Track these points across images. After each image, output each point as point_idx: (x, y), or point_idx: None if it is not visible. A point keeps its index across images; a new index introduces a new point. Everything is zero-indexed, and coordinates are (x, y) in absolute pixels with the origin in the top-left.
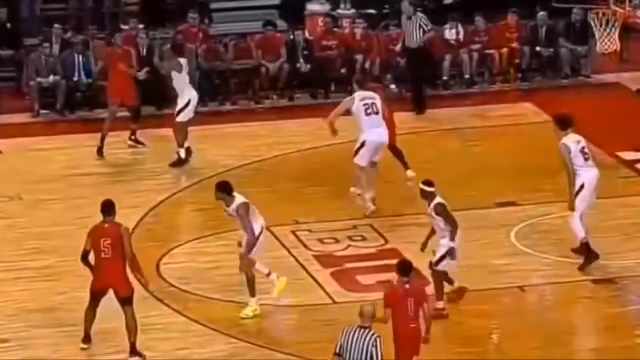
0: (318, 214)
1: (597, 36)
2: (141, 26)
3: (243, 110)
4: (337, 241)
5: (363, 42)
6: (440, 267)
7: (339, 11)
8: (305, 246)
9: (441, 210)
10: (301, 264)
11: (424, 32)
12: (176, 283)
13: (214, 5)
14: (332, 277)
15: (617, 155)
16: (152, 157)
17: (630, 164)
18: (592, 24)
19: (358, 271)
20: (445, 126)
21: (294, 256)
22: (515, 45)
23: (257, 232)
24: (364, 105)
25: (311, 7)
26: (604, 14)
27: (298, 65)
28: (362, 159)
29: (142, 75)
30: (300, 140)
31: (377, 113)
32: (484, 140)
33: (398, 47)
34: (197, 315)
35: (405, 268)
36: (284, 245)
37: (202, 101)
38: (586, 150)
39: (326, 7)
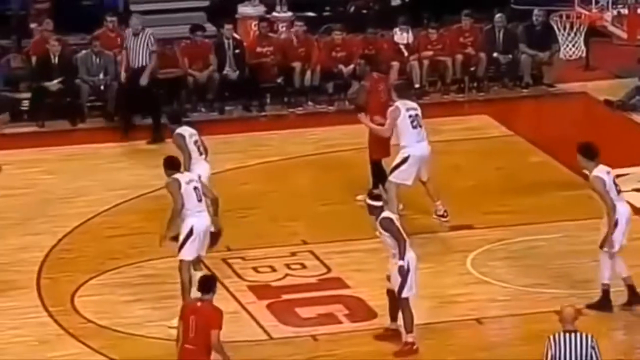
0: (252, 239)
1: (560, 41)
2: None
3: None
4: (273, 269)
5: (301, 47)
6: (406, 294)
7: (274, 14)
8: (238, 275)
9: (387, 225)
10: (233, 295)
11: (150, 52)
12: (93, 318)
13: (134, 7)
14: (268, 310)
15: (583, 172)
16: (64, 179)
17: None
18: (555, 28)
19: (297, 303)
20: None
21: (225, 287)
22: (469, 50)
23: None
24: (410, 116)
25: (243, 10)
26: (567, 17)
27: (225, 72)
28: (403, 176)
29: (53, 85)
30: (230, 157)
31: (421, 126)
32: (435, 155)
33: (340, 54)
34: (118, 354)
35: (203, 283)
36: (213, 274)
37: (119, 114)
38: (616, 181)
39: (260, 10)
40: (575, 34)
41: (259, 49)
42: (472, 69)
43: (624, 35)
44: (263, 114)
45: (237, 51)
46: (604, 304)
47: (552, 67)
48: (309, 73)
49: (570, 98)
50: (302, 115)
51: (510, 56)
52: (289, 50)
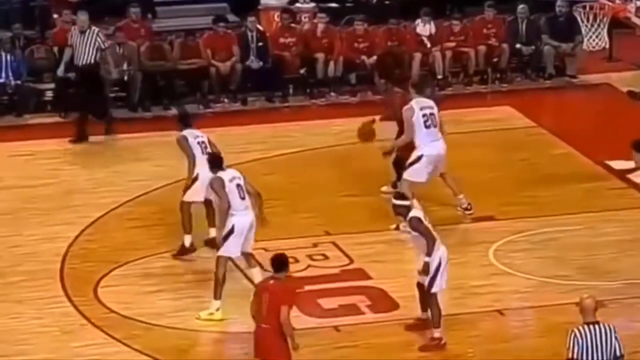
0: (274, 230)
1: (583, 32)
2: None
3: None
4: (295, 260)
5: (324, 39)
6: (435, 289)
7: (297, 5)
8: (260, 266)
9: (416, 224)
10: (256, 286)
11: (98, 50)
12: (116, 308)
13: None
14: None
15: (606, 164)
16: (86, 170)
17: (620, 173)
18: (578, 19)
19: (319, 294)
20: None
21: (248, 277)
22: (492, 42)
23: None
24: (423, 115)
25: (266, 1)
26: (591, 8)
27: (249, 63)
28: (416, 174)
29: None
30: (253, 148)
31: (435, 125)
32: (457, 147)
33: (363, 45)
34: (140, 344)
35: (276, 262)
36: (236, 266)
37: (143, 105)
38: None
39: (282, 1)
40: (599, 26)
41: (281, 40)
42: (495, 60)
43: None
44: (286, 105)
45: (260, 43)
46: None
47: (575, 59)
48: (331, 64)
49: (593, 89)
50: (325, 106)
51: (533, 47)
52: (312, 41)
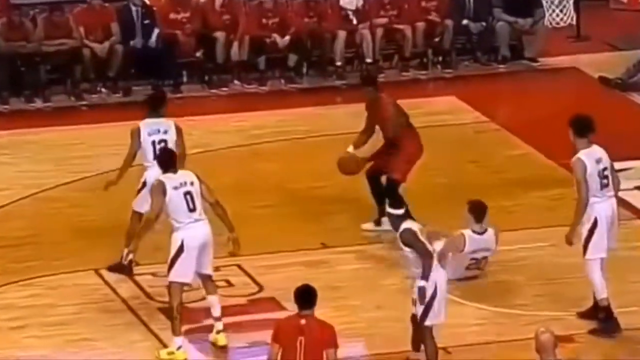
0: (164, 251)
1: (545, 5)
2: None
3: (59, 108)
4: (190, 288)
5: (225, 14)
6: (430, 321)
7: None
8: (147, 295)
9: (409, 238)
10: (142, 320)
11: None
12: None
13: None
14: (186, 337)
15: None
16: None
17: None
18: None
19: (223, 329)
20: (340, 129)
21: (131, 309)
22: (433, 17)
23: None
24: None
25: None
26: None
27: (133, 44)
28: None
29: None
30: None
31: None
32: None
33: (272, 21)
34: None
35: (304, 295)
36: (117, 294)
37: (0, 97)
38: (606, 173)
39: None
40: None
41: (172, 16)
42: (437, 39)
43: None
44: (178, 95)
45: (146, 21)
46: (608, 325)
47: (535, 38)
48: (234, 45)
49: (558, 75)
50: (227, 97)
51: (484, 24)
52: (210, 17)
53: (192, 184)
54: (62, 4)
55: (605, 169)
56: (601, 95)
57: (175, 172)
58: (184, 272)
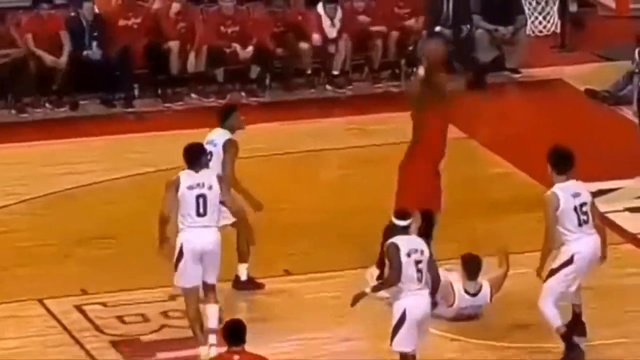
0: (116, 278)
1: (527, 12)
2: None
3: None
4: (145, 319)
5: (181, 21)
6: (396, 347)
7: None
8: (97, 328)
9: (390, 253)
10: (91, 355)
11: None
12: None
13: None
14: None
15: None
16: None
17: None
18: None
19: None
20: (305, 145)
21: (79, 343)
22: (409, 23)
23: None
24: None
25: None
26: None
27: (87, 54)
28: None
29: None
30: (85, 168)
31: None
32: (363, 166)
33: (232, 30)
34: None
35: (233, 331)
36: (64, 327)
37: None
38: (585, 209)
39: None
40: (546, 3)
41: (122, 22)
42: (410, 48)
43: (612, 4)
44: (130, 110)
45: (94, 33)
46: (572, 354)
47: (516, 47)
48: (191, 56)
49: (541, 87)
50: (183, 111)
51: (462, 32)
52: (164, 25)
53: (210, 187)
54: (4, 11)
55: (584, 204)
56: (588, 109)
57: (198, 170)
58: (187, 276)
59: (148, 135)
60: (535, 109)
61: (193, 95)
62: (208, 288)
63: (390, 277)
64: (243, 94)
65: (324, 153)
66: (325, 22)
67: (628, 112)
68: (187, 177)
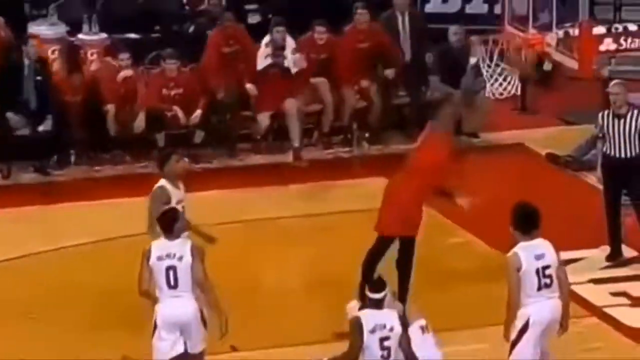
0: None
1: (486, 74)
2: None
3: None
4: None
5: (120, 82)
6: None
7: (81, 36)
8: None
9: (351, 327)
10: None
11: None
12: None
13: None
14: None
15: None
16: None
17: None
18: (479, 55)
19: None
20: (253, 214)
21: None
22: (361, 84)
23: None
24: None
25: (37, 29)
26: (495, 42)
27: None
28: None
29: None
30: (20, 241)
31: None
32: (315, 234)
33: (175, 92)
34: None
35: None
36: None
37: None
38: (549, 272)
39: (60, 31)
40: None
41: (61, 85)
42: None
43: (574, 66)
44: (65, 176)
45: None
46: None
47: (475, 110)
48: (136, 118)
49: (501, 152)
50: (121, 178)
51: (416, 94)
52: (103, 86)
53: (180, 258)
54: None
55: (547, 267)
56: (550, 175)
57: (172, 238)
58: (160, 349)
59: (82, 205)
60: (495, 175)
61: (130, 159)
62: (194, 358)
63: (344, 357)
64: (186, 159)
65: (274, 221)
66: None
67: (592, 178)
68: (157, 247)
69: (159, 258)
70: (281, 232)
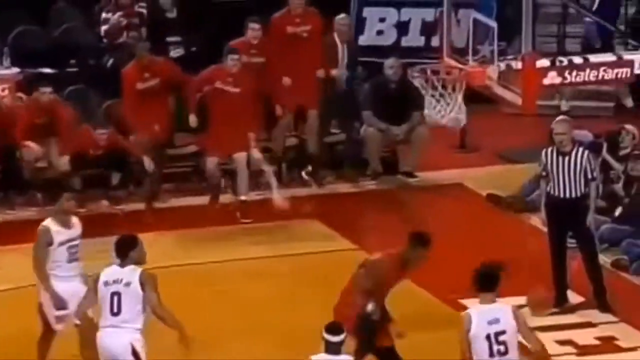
0: None
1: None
2: None
3: None
4: None
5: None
6: None
7: None
8: None
9: None
10: None
11: None
12: None
13: None
14: None
15: (461, 303)
16: None
17: None
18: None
19: None
20: (170, 260)
21: None
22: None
23: None
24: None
25: None
26: (434, 73)
27: None
28: None
29: None
30: None
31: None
32: (238, 286)
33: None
34: None
35: None
36: None
37: None
38: (503, 339)
39: None
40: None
41: None
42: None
43: (517, 101)
44: None
45: None
46: None
47: (412, 148)
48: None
49: (439, 193)
50: (36, 222)
51: (349, 132)
52: (17, 125)
53: (127, 284)
54: None
55: (501, 332)
56: (491, 217)
57: (124, 265)
58: None
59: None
60: (433, 216)
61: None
62: None
63: None
64: (104, 202)
65: (205, 266)
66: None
67: (536, 220)
68: (106, 273)
69: (106, 283)
70: (207, 276)
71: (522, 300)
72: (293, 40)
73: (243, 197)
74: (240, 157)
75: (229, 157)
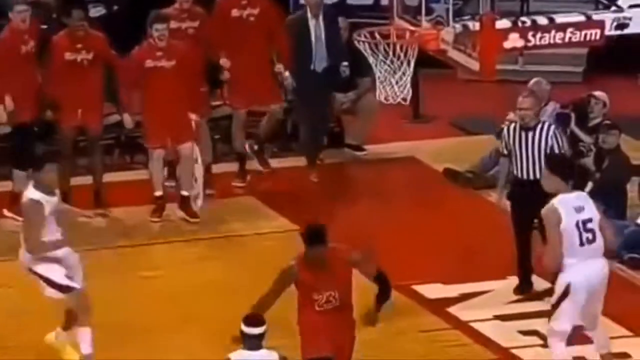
0: None
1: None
2: None
3: None
4: None
5: None
6: None
7: None
8: None
9: None
10: None
11: None
12: None
13: None
14: None
15: (414, 290)
16: None
17: (437, 304)
18: (364, 52)
19: None
20: None
21: None
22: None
23: None
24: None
25: None
26: (383, 36)
27: None
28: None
29: None
30: None
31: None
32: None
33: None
34: None
35: None
36: None
37: None
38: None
39: None
40: (397, 65)
41: None
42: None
43: (475, 66)
44: None
45: None
46: None
47: (360, 118)
48: None
49: (390, 167)
50: None
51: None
52: None
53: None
54: None
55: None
56: (447, 194)
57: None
58: None
59: None
60: (383, 195)
61: None
62: None
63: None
64: None
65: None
66: None
67: (497, 198)
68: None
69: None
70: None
71: (482, 286)
72: (237, 25)
73: (185, 193)
74: (185, 148)
75: (173, 148)
